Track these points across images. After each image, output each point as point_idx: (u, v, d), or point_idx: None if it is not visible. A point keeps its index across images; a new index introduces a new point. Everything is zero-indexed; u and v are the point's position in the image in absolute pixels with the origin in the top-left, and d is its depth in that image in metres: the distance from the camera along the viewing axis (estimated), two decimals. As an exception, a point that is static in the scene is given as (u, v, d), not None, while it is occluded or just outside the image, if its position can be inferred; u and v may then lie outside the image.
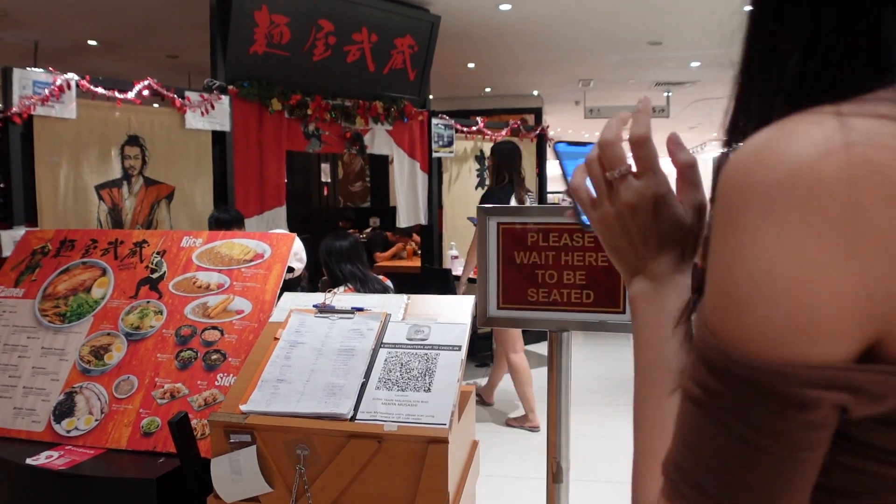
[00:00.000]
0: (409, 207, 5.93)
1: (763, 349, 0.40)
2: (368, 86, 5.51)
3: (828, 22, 0.45)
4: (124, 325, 1.88)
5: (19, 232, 3.86)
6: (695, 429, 0.44)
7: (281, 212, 5.00)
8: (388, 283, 3.26)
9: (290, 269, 2.50)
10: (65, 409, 1.79)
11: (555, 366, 1.54)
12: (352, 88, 5.40)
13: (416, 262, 6.62)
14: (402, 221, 5.91)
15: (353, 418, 1.40)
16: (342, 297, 1.72)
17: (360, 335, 1.58)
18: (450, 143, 6.12)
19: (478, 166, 6.43)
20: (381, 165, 10.33)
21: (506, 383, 5.27)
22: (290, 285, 2.57)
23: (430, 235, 6.18)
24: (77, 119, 3.90)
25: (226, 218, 3.89)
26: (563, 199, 19.75)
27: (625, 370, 5.70)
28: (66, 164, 3.89)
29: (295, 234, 2.61)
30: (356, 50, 5.31)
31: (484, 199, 4.50)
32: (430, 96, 10.73)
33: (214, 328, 1.80)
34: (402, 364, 1.50)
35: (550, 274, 1.52)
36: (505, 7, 5.85)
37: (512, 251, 1.54)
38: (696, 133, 16.70)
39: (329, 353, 1.55)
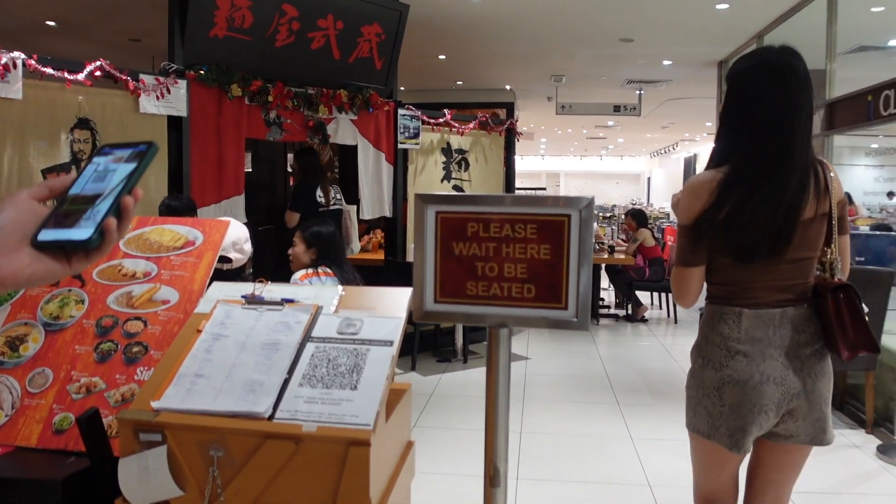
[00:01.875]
0: (373, 199, 5.82)
1: (681, 220, 1.80)
2: (333, 74, 5.38)
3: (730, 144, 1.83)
4: (42, 315, 1.76)
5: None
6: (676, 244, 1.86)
7: (239, 200, 4.86)
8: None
9: (228, 260, 2.39)
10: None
11: (494, 363, 1.46)
12: (316, 76, 5.27)
13: (381, 255, 6.51)
14: (366, 213, 5.80)
15: (271, 417, 1.30)
16: (273, 288, 1.62)
17: (287, 328, 1.49)
18: (416, 135, 6.02)
19: (444, 159, 6.34)
20: (351, 157, 10.17)
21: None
22: (233, 275, 2.46)
23: (395, 228, 6.08)
24: (23, 100, 3.73)
25: (177, 205, 3.73)
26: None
27: (586, 367, 5.67)
28: (10, 147, 3.73)
29: (234, 222, 2.49)
30: (321, 37, 5.18)
31: (293, 194, 5.94)
32: (402, 87, 10.65)
33: (138, 319, 1.69)
34: (329, 360, 1.40)
35: (491, 266, 1.44)
36: (475, -2, 5.77)
37: (450, 242, 1.45)
38: (668, 132, 16.79)
39: (253, 347, 1.45)
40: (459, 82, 10.28)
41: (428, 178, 6.23)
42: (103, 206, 0.73)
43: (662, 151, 21.69)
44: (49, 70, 3.77)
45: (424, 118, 6.06)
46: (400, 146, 5.94)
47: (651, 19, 6.40)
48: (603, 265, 8.10)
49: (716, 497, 1.94)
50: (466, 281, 1.45)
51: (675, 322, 7.69)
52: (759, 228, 1.70)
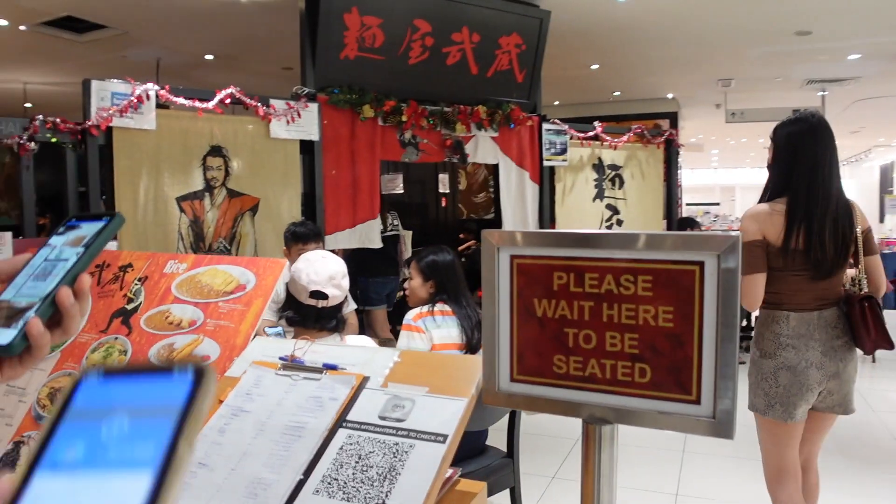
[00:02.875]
0: (516, 221, 5.44)
1: (746, 238, 2.23)
2: (471, 89, 5.10)
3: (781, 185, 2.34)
4: (87, 365, 1.56)
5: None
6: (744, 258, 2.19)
7: (374, 224, 4.69)
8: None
9: (324, 296, 2.12)
10: (8, 462, 1.50)
11: (592, 468, 1.02)
12: (453, 93, 5.01)
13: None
14: (508, 236, 5.43)
15: (269, 542, 0.96)
16: (319, 349, 1.29)
17: (319, 406, 1.15)
18: (563, 151, 5.58)
19: (595, 176, 5.82)
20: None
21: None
22: (332, 312, 2.20)
23: (540, 252, 5.66)
24: (157, 130, 3.78)
25: (302, 232, 3.60)
26: (707, 212, 18.27)
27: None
28: (146, 176, 3.78)
29: (328, 255, 2.22)
30: (456, 51, 4.92)
31: None
32: (556, 102, 10.22)
33: (175, 378, 1.44)
34: (360, 457, 1.04)
35: (586, 335, 1.01)
36: (625, -2, 5.24)
37: (531, 298, 1.04)
38: (858, 138, 14.86)
39: (273, 430, 1.13)
40: (616, 93, 9.66)
41: (578, 197, 5.76)
42: (34, 303, 0.64)
43: (852, 160, 19.30)
44: (181, 100, 3.80)
45: (572, 132, 5.60)
46: (546, 163, 5.53)
47: (832, 6, 5.50)
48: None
49: (781, 469, 2.34)
50: (553, 354, 1.03)
51: (873, 361, 6.52)
52: (832, 250, 2.25)
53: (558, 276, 1.02)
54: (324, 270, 2.17)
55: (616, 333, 0.98)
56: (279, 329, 2.31)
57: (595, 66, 7.78)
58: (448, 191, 9.67)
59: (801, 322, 2.26)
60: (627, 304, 0.97)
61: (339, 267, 2.23)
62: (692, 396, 0.94)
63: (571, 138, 5.61)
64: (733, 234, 0.90)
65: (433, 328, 2.70)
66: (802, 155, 2.26)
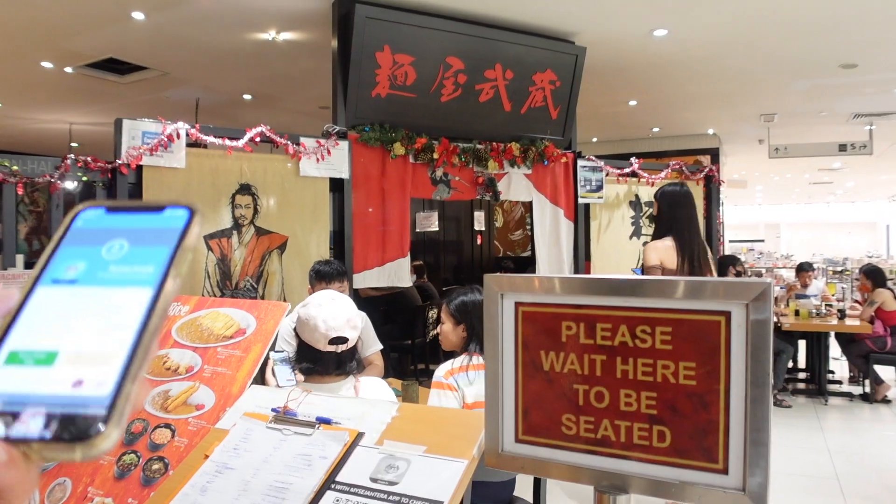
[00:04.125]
0: (551, 259, 5.32)
1: (646, 264, 3.43)
2: (505, 126, 5.04)
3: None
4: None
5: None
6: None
7: (404, 263, 4.62)
8: None
9: (344, 340, 2.03)
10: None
11: (608, 546, 0.90)
12: (486, 130, 4.96)
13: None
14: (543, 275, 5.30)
15: None
16: (314, 401, 1.19)
17: (307, 465, 1.05)
18: (599, 188, 5.46)
19: (632, 213, 5.68)
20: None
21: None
22: (350, 356, 2.10)
23: (575, 290, 5.50)
24: (187, 168, 3.80)
25: (326, 271, 3.53)
26: (751, 250, 17.78)
27: (808, 463, 4.59)
28: (175, 214, 3.78)
29: (341, 297, 2.14)
30: (489, 88, 4.88)
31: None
32: (594, 139, 10.12)
33: (167, 426, 1.36)
34: (346, 526, 0.94)
35: (598, 393, 0.90)
36: (660, 33, 5.16)
37: (537, 350, 0.94)
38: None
39: (257, 489, 1.03)
40: (655, 129, 9.52)
41: (614, 235, 5.62)
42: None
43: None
44: (211, 138, 3.81)
45: (608, 169, 5.49)
46: (581, 201, 5.41)
47: (878, 39, 5.33)
48: (832, 332, 6.81)
49: None
50: (562, 412, 0.92)
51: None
52: (699, 270, 3.34)
53: (567, 326, 0.92)
54: (340, 314, 2.07)
55: (632, 391, 0.87)
56: (285, 354, 2.20)
57: (633, 103, 7.69)
58: (484, 228, 9.61)
59: None
60: (644, 358, 0.86)
61: (352, 307, 2.14)
62: (719, 465, 0.82)
63: (607, 175, 5.49)
64: (764, 280, 0.78)
65: (465, 385, 2.49)
66: (679, 211, 3.43)
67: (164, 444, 1.34)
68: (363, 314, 3.88)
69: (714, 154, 10.03)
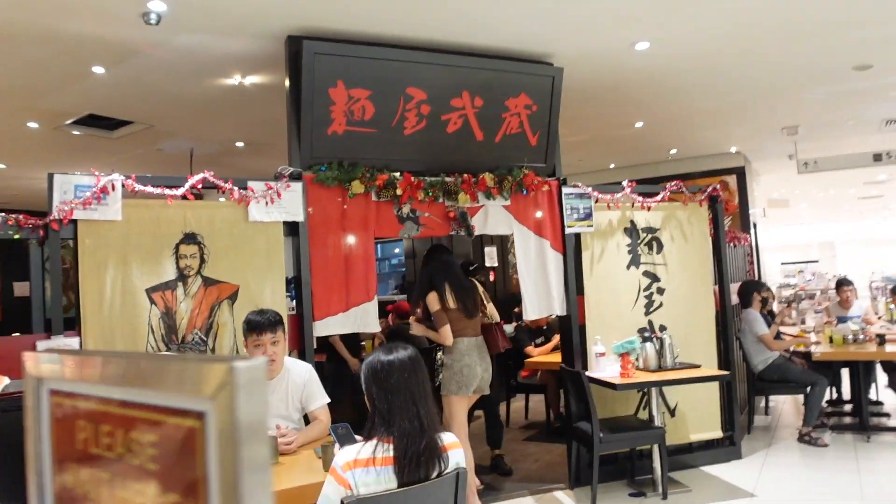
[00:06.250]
0: (539, 295, 4.94)
1: (433, 308, 4.46)
2: (479, 157, 4.75)
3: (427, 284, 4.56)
4: None
5: (57, 341, 3.63)
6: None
7: (370, 308, 4.33)
8: None
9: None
10: None
11: None
12: (458, 161, 4.69)
13: (557, 359, 5.54)
14: (530, 313, 4.93)
15: None
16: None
17: None
18: (588, 216, 5.09)
19: (628, 240, 5.28)
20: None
21: None
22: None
23: (569, 328, 5.11)
24: (125, 220, 3.63)
25: (258, 321, 3.24)
26: (801, 271, 16.79)
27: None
28: (112, 268, 3.62)
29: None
30: (457, 118, 4.62)
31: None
32: (612, 165, 9.71)
33: None
34: None
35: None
36: (642, 46, 4.83)
37: (65, 464, 0.64)
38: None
39: None
40: (673, 151, 9.08)
41: (608, 265, 5.22)
42: None
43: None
44: (149, 188, 3.65)
45: (597, 195, 5.13)
46: (568, 230, 5.05)
47: (891, 35, 4.86)
48: (878, 361, 6.21)
49: (462, 423, 4.45)
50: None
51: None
52: (471, 306, 4.53)
53: (81, 428, 0.63)
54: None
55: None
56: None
57: (640, 124, 7.31)
58: (497, 264, 9.26)
59: (469, 343, 4.43)
60: (134, 482, 0.56)
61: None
62: None
63: (597, 201, 5.13)
64: (238, 364, 0.48)
65: (363, 486, 2.06)
66: (437, 262, 4.56)
67: None
68: (309, 366, 3.61)
69: (740, 173, 9.52)
